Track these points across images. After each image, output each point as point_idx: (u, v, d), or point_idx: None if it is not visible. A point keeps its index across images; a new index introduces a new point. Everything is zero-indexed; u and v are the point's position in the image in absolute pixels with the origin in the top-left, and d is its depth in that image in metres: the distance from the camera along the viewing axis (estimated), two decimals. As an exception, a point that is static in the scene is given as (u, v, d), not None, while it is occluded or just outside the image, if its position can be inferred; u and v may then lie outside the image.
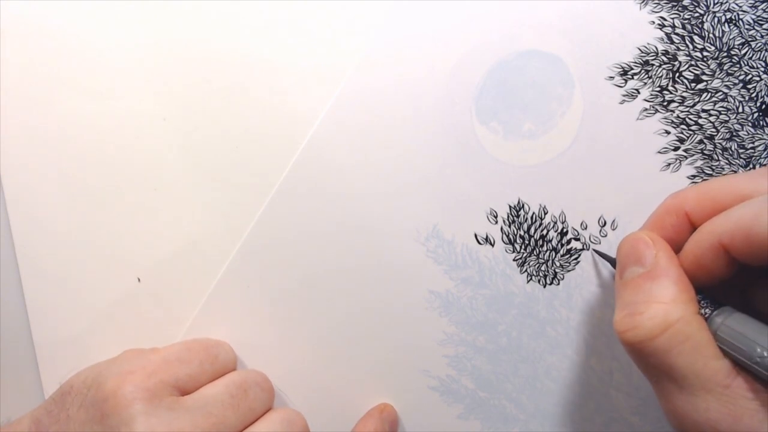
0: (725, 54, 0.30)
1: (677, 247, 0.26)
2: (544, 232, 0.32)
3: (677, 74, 0.30)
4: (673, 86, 0.30)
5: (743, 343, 0.22)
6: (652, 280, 0.24)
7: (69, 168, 0.34)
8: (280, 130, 0.32)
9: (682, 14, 0.30)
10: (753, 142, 0.30)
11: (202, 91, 0.33)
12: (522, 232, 0.32)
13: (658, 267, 0.24)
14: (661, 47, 0.30)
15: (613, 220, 0.31)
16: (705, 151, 0.30)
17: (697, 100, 0.30)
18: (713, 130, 0.30)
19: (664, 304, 0.23)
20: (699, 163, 0.30)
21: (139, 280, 0.34)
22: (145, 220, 0.34)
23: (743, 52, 0.30)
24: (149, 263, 0.34)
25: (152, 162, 0.33)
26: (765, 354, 0.21)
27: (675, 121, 0.30)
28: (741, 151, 0.30)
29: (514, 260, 0.32)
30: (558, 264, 0.32)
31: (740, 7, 0.29)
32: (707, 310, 0.24)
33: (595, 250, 0.31)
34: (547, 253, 0.32)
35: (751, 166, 0.30)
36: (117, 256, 0.34)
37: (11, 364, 0.36)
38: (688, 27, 0.30)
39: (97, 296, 0.34)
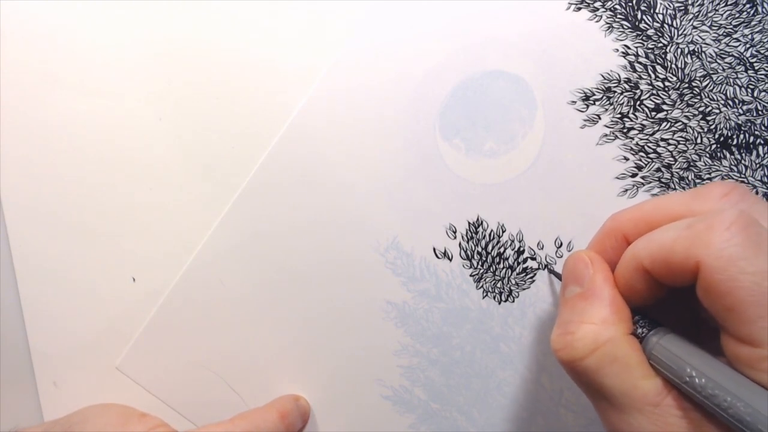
0: (686, 85, 0.30)
1: (618, 269, 0.26)
2: (502, 249, 0.32)
3: (638, 102, 0.30)
4: (633, 114, 0.30)
5: (675, 363, 0.22)
6: (585, 300, 0.25)
7: (65, 167, 0.34)
8: (277, 131, 0.33)
9: (645, 44, 0.30)
10: (710, 173, 0.31)
11: (199, 92, 0.33)
12: (480, 249, 0.32)
13: (592, 287, 0.25)
14: (623, 75, 0.30)
15: (569, 242, 0.32)
16: (662, 180, 0.31)
17: (656, 128, 0.30)
18: (671, 159, 0.31)
19: (594, 325, 0.24)
20: (656, 190, 0.31)
21: (134, 279, 0.35)
22: (141, 220, 0.34)
23: (704, 84, 0.30)
24: (145, 263, 0.34)
25: (148, 161, 0.34)
26: (694, 374, 0.21)
27: (634, 148, 0.31)
28: (698, 181, 0.31)
29: (470, 276, 0.32)
30: (513, 282, 0.32)
31: (703, 40, 0.30)
32: (644, 330, 0.24)
33: (549, 269, 0.32)
34: (504, 270, 0.32)
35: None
36: (112, 255, 0.34)
37: (6, 363, 0.36)
38: (651, 57, 0.30)
39: (93, 296, 0.35)
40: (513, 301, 0.32)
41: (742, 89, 0.30)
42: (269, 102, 0.32)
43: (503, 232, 0.32)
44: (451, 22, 0.31)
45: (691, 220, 0.22)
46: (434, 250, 0.32)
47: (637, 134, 0.31)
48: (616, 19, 0.30)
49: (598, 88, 0.30)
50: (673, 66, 0.30)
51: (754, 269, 0.20)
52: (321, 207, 0.33)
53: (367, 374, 0.34)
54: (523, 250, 0.32)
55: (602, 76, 0.30)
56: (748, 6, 0.29)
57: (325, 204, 0.33)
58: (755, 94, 0.30)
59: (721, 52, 0.30)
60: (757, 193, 0.30)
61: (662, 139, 0.30)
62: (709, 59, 0.30)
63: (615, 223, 0.26)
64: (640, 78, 0.30)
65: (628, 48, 0.30)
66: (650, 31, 0.30)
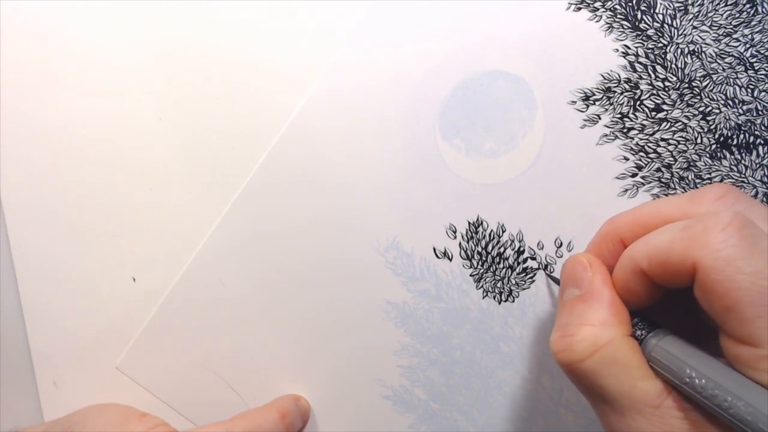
0: (686, 85, 0.30)
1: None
2: (502, 249, 0.32)
3: (638, 102, 0.30)
4: (633, 114, 0.30)
5: (674, 364, 0.22)
6: (584, 302, 0.25)
7: (65, 167, 0.34)
8: (277, 131, 0.33)
9: (645, 44, 0.30)
10: (710, 173, 0.31)
11: (199, 92, 0.33)
12: (480, 249, 0.32)
13: (591, 290, 0.25)
14: (623, 75, 0.30)
15: (569, 242, 0.31)
16: (662, 180, 0.31)
17: (656, 128, 0.30)
18: (671, 159, 0.31)
19: (593, 327, 0.24)
20: (656, 190, 0.31)
21: (134, 279, 0.35)
22: (141, 220, 0.34)
23: (704, 84, 0.30)
24: (145, 263, 0.34)
25: (148, 162, 0.34)
26: (693, 375, 0.21)
27: (634, 148, 0.31)
28: (698, 181, 0.31)
29: (470, 276, 0.32)
30: (513, 282, 0.32)
31: (703, 40, 0.30)
32: (643, 332, 0.24)
33: (547, 273, 0.32)
34: (504, 270, 0.32)
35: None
36: (112, 255, 0.34)
37: (6, 363, 0.36)
38: (651, 57, 0.30)
39: (93, 296, 0.35)
40: (513, 301, 0.32)
41: (742, 89, 0.30)
42: (269, 102, 0.32)
43: (503, 232, 0.32)
44: (451, 22, 0.31)
45: (687, 222, 0.22)
46: (434, 250, 0.32)
47: (637, 134, 0.31)
48: (616, 19, 0.30)
49: (598, 88, 0.30)
50: (673, 66, 0.30)
51: (751, 269, 0.20)
52: (321, 207, 0.33)
53: (367, 374, 0.34)
54: (523, 250, 0.32)
55: (602, 76, 0.30)
56: (748, 6, 0.29)
57: (325, 204, 0.33)
58: (755, 94, 0.30)
59: (721, 52, 0.30)
60: (757, 193, 0.30)
61: (662, 139, 0.30)
62: (709, 59, 0.30)
63: (611, 227, 0.26)
64: (640, 78, 0.30)
65: (628, 48, 0.30)
66: (650, 31, 0.30)
